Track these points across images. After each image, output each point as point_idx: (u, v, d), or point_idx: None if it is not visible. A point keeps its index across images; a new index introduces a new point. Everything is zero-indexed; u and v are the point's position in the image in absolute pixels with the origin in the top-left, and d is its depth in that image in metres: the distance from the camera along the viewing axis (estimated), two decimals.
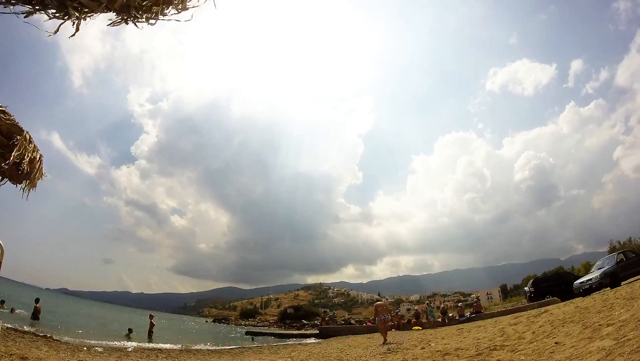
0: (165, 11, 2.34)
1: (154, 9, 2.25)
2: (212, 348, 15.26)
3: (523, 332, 6.02)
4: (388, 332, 11.57)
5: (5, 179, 4.25)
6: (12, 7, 2.23)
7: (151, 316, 18.01)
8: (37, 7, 2.17)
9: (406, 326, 19.68)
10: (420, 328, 18.13)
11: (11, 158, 3.40)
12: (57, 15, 2.30)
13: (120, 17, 2.34)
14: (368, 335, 17.98)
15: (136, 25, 2.34)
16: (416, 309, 23.86)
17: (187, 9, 2.38)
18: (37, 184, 4.30)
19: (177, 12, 2.38)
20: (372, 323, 20.62)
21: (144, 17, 2.28)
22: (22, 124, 3.99)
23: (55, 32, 2.29)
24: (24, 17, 2.21)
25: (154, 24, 2.36)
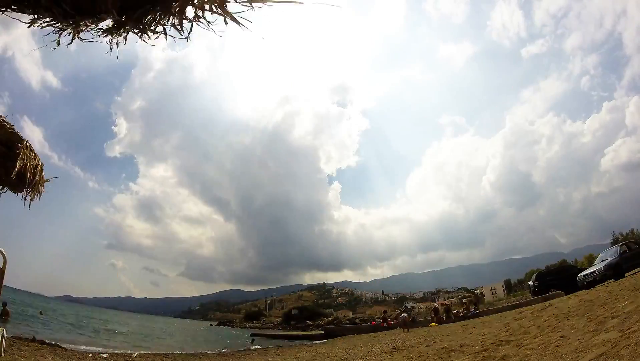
0: (163, 23, 2.26)
1: (152, 22, 2.19)
2: (217, 351, 15.27)
3: (528, 326, 6.02)
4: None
5: (6, 188, 4.27)
6: (10, 11, 2.21)
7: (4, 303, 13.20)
8: (39, 16, 2.16)
9: (411, 324, 19.66)
10: (436, 324, 17.91)
11: (16, 168, 3.41)
12: (53, 24, 2.29)
13: (115, 30, 2.31)
14: (373, 334, 17.97)
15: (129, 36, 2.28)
16: (435, 305, 24.00)
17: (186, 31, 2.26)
18: (42, 193, 4.33)
19: (175, 28, 2.28)
20: (376, 322, 20.68)
21: (140, 29, 2.23)
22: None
23: (58, 43, 2.27)
24: (28, 26, 2.21)
25: (150, 39, 2.28)
